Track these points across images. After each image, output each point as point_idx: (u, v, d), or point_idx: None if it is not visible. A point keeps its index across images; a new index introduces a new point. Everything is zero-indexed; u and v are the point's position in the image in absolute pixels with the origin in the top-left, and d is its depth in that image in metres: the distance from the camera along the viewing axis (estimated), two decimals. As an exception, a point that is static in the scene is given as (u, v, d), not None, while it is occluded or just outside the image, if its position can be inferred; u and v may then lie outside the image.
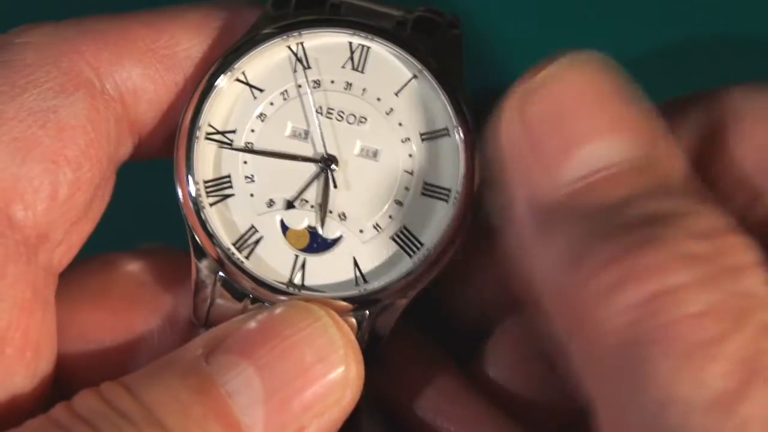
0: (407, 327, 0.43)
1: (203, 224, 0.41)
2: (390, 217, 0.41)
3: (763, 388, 0.31)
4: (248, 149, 0.41)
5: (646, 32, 0.47)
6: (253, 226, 0.41)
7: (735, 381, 0.30)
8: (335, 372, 0.38)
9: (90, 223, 0.42)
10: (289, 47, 0.41)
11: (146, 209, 0.48)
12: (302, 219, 0.41)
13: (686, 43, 0.44)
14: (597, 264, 0.33)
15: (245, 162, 0.41)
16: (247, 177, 0.41)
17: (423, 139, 0.41)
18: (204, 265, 0.41)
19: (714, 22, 0.46)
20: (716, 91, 0.39)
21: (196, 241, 0.41)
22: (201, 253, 0.41)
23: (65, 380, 0.41)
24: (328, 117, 0.41)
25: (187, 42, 0.42)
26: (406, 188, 0.41)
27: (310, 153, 0.41)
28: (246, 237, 0.41)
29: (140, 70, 0.41)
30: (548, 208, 0.35)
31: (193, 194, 0.41)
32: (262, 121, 0.41)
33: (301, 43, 0.41)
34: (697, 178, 0.35)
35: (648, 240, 0.32)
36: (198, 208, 0.41)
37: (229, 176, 0.41)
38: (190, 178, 0.41)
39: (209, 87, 0.41)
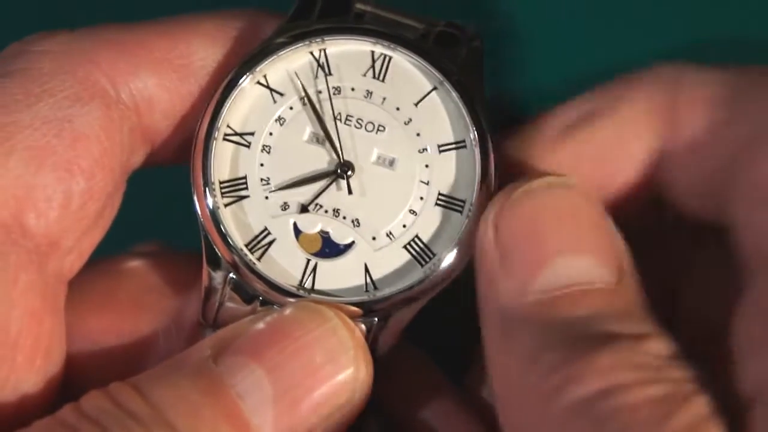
0: (407, 345, 0.43)
1: (217, 224, 0.41)
2: (404, 226, 0.41)
3: None
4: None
5: (656, 37, 0.47)
6: (266, 228, 0.41)
7: None
8: (345, 373, 0.38)
9: (100, 231, 0.42)
10: (312, 53, 0.42)
11: (149, 210, 0.48)
12: (316, 223, 0.41)
13: (691, 50, 0.45)
14: (550, 365, 0.35)
15: (262, 164, 0.41)
16: (263, 179, 0.41)
17: (440, 151, 0.41)
18: (215, 267, 0.41)
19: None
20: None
21: (209, 241, 0.41)
22: (213, 254, 0.41)
23: (72, 383, 0.41)
24: (346, 124, 0.41)
25: (202, 51, 0.42)
26: (421, 198, 0.41)
27: (326, 158, 0.41)
28: (259, 238, 0.41)
29: (155, 80, 0.41)
30: (513, 314, 0.37)
31: (208, 194, 0.41)
32: (281, 124, 0.42)
33: (324, 50, 0.42)
34: (654, 311, 0.37)
35: (600, 347, 0.34)
36: (212, 208, 0.41)
37: (245, 177, 0.41)
38: (206, 177, 0.41)
39: (230, 88, 0.41)
